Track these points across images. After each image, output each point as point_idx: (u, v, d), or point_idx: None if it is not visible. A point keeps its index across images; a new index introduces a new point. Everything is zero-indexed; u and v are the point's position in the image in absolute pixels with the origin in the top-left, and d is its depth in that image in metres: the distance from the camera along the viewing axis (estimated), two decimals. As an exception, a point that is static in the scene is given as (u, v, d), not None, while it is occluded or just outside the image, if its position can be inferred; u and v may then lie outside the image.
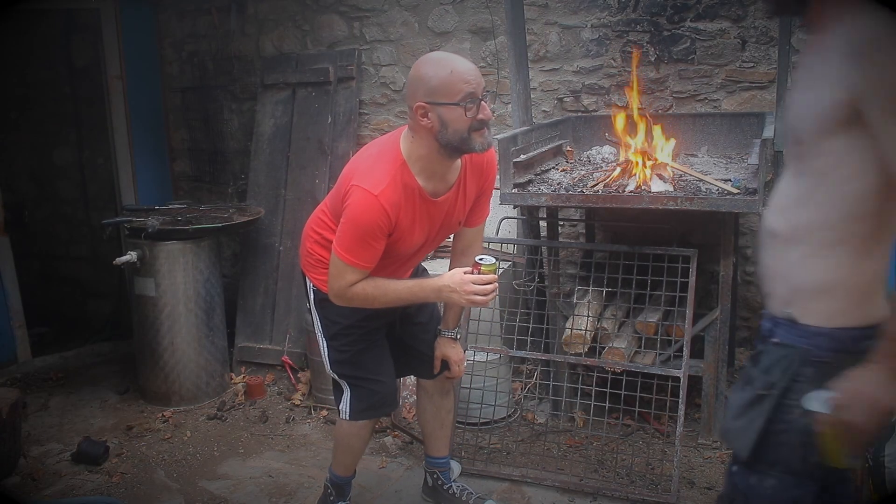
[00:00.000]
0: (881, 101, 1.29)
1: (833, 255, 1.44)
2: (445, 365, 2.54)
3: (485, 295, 2.11)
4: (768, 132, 2.76)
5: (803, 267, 1.46)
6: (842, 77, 1.32)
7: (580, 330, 3.03)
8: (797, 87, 1.49)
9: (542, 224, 3.38)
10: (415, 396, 2.85)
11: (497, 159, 2.33)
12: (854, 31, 1.31)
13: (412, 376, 2.74)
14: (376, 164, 2.09)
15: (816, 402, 1.40)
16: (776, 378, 1.46)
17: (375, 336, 2.44)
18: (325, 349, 2.44)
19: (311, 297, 2.42)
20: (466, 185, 2.23)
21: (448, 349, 2.52)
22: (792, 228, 1.48)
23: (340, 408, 2.49)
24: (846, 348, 1.42)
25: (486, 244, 2.38)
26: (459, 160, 2.18)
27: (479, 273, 2.12)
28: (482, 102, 2.00)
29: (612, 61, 3.68)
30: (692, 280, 2.90)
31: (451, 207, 2.22)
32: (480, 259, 2.14)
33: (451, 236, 2.47)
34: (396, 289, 2.18)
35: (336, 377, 2.47)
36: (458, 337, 2.54)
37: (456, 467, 2.87)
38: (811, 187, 1.44)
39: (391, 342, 2.55)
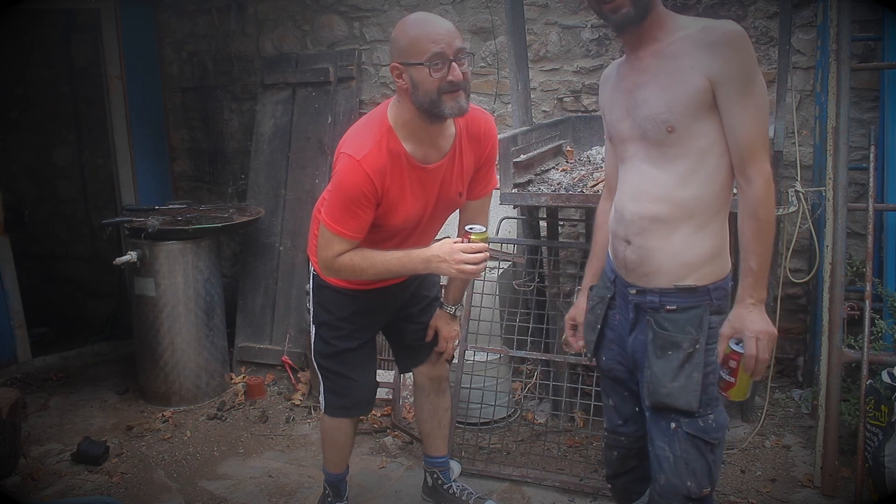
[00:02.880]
0: (731, 83, 1.60)
1: (716, 223, 1.73)
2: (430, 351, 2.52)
3: (475, 264, 2.02)
4: (769, 132, 2.75)
5: (695, 240, 1.72)
6: (701, 66, 1.61)
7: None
8: (645, 89, 1.71)
9: (542, 224, 3.38)
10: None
11: (497, 134, 2.28)
12: (708, 31, 1.64)
13: (412, 377, 2.73)
14: (361, 131, 2.08)
15: (736, 345, 1.67)
16: (694, 334, 1.73)
17: (365, 336, 2.42)
18: (313, 336, 2.43)
19: (311, 282, 2.41)
20: (463, 155, 2.17)
21: (442, 323, 2.48)
22: (677, 208, 1.70)
23: (320, 399, 2.49)
24: (729, 292, 1.78)
25: (487, 244, 2.34)
26: (453, 127, 2.13)
27: (468, 242, 2.03)
28: (453, 64, 1.90)
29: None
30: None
31: (446, 176, 2.16)
32: (470, 228, 2.05)
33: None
34: (385, 259, 2.11)
35: (316, 367, 2.47)
36: (458, 315, 2.50)
37: (456, 467, 2.87)
38: (693, 166, 1.68)
39: (391, 337, 2.55)
